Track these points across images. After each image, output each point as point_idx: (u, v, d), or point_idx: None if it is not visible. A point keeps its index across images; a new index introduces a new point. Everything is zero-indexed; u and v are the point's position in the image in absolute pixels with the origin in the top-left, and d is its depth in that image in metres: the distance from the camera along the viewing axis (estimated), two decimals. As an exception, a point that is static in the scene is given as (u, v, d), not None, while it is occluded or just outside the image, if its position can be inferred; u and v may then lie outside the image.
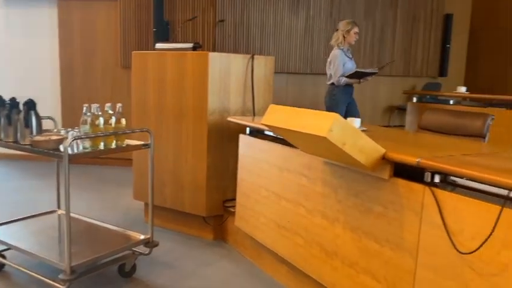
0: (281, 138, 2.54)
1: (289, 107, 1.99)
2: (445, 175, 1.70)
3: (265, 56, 3.73)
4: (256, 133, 2.95)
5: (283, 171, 2.56)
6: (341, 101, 4.38)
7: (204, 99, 3.20)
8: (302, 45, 6.31)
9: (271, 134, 2.77)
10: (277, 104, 2.14)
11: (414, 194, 1.75)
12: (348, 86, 4.40)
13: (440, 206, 1.64)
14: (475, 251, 1.49)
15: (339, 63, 4.33)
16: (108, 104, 2.52)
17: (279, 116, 2.00)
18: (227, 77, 3.27)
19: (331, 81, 4.43)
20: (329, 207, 2.20)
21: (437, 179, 1.70)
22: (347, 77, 4.28)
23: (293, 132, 1.91)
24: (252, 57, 3.36)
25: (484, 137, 2.58)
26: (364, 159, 1.79)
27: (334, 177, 2.16)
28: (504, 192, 1.41)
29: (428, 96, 5.01)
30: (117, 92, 5.79)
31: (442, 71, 7.26)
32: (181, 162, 3.37)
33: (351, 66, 4.37)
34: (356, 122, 2.49)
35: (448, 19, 7.12)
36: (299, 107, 1.96)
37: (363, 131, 2.04)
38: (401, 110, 6.71)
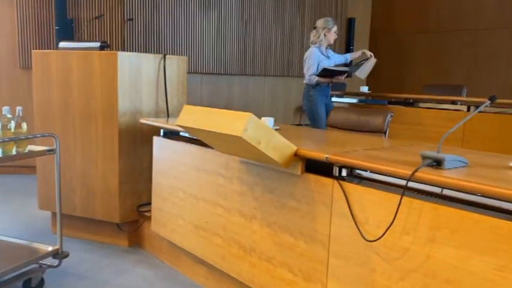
0: (197, 139, 2.53)
1: (204, 108, 1.99)
2: (351, 169, 1.82)
3: (178, 56, 3.69)
4: (171, 135, 2.91)
5: (200, 172, 2.55)
6: (319, 102, 4.26)
7: (113, 100, 3.08)
8: (215, 45, 6.33)
9: (186, 135, 2.74)
10: (191, 104, 2.12)
11: (324, 187, 1.85)
12: (325, 87, 4.30)
13: (348, 198, 1.75)
14: (379, 238, 1.61)
15: (313, 62, 4.21)
16: (6, 107, 2.32)
17: (193, 117, 2.00)
18: (138, 77, 3.18)
19: (304, 80, 4.34)
20: (246, 205, 2.24)
21: (344, 172, 1.82)
22: (318, 75, 4.18)
23: (209, 132, 1.92)
24: (164, 57, 3.30)
25: (385, 133, 2.80)
26: (278, 156, 1.85)
27: (251, 175, 2.21)
28: (403, 182, 1.54)
29: (334, 96, 5.30)
30: (16, 94, 5.35)
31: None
32: (91, 167, 3.20)
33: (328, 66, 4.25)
34: (269, 121, 2.56)
35: (351, 23, 7.61)
36: (214, 107, 1.97)
37: (276, 130, 2.10)
38: (311, 109, 7.02)
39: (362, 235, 1.69)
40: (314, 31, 4.33)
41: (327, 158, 1.79)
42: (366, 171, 1.78)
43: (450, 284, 1.45)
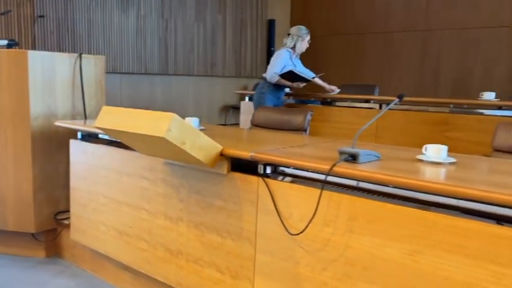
0: (118, 141, 2.44)
1: (124, 108, 1.93)
2: (275, 166, 1.87)
3: (95, 55, 3.53)
4: (89, 138, 2.78)
5: (122, 176, 2.47)
6: (268, 101, 4.18)
7: (25, 102, 2.87)
8: (135, 44, 6.16)
9: (106, 137, 2.64)
10: (111, 105, 2.05)
11: (250, 185, 1.88)
12: (279, 89, 4.24)
13: (273, 195, 1.80)
14: (302, 231, 1.68)
15: (280, 62, 4.17)
16: None
17: (113, 118, 1.93)
18: (52, 78, 2.99)
19: (264, 75, 4.22)
20: (172, 207, 2.21)
21: (269, 170, 1.87)
22: (281, 75, 4.12)
23: (130, 134, 1.87)
24: (80, 56, 3.14)
25: (306, 130, 2.91)
26: (203, 156, 1.85)
27: (176, 176, 2.18)
28: (323, 177, 1.62)
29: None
30: None
31: (269, 72, 7.90)
32: (1, 175, 2.96)
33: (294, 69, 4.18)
34: (194, 121, 2.54)
35: (271, 24, 7.79)
36: (135, 108, 1.92)
37: (201, 130, 2.10)
38: (236, 109, 7.09)
39: (287, 229, 1.74)
40: (289, 38, 4.29)
41: (251, 156, 1.83)
42: (289, 167, 1.85)
43: (367, 271, 1.55)
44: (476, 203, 1.39)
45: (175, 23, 6.57)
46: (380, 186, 1.60)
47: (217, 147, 1.89)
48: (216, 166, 1.93)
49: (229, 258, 1.98)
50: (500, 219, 1.36)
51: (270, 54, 7.82)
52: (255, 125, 3.16)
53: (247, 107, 5.31)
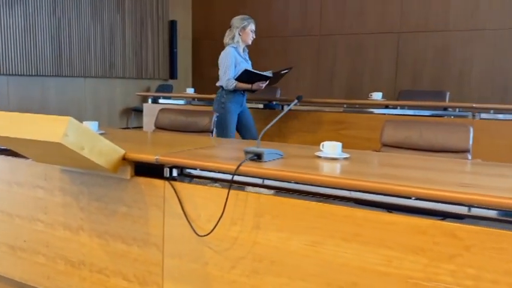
0: (5, 149, 2.23)
1: (13, 113, 1.77)
2: (181, 168, 1.86)
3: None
4: (-28, 145, 2.50)
5: (12, 186, 2.26)
6: (231, 110, 3.69)
7: None
8: (23, 44, 5.67)
9: (-8, 145, 2.40)
10: (-3, 110, 1.87)
11: (156, 189, 1.85)
12: (239, 94, 3.73)
13: (180, 197, 1.79)
14: (210, 232, 1.69)
15: (230, 63, 3.63)
16: None
17: (0, 124, 1.76)
18: None
19: (219, 83, 3.75)
20: (71, 217, 2.08)
21: (175, 172, 1.85)
22: (237, 79, 3.62)
23: (20, 140, 1.72)
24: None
25: (212, 132, 2.93)
26: (105, 162, 1.78)
27: (75, 184, 2.06)
28: (229, 177, 1.65)
29: (161, 98, 5.29)
30: None
31: (172, 74, 7.79)
32: None
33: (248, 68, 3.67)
34: (93, 125, 2.42)
35: (173, 25, 7.68)
36: (26, 112, 1.77)
37: (101, 134, 2.01)
38: (139, 111, 6.87)
39: (195, 231, 1.74)
40: (228, 31, 3.79)
41: (156, 159, 1.79)
42: (196, 169, 1.85)
43: (274, 265, 1.62)
44: (369, 194, 1.52)
45: (69, 21, 6.17)
46: (283, 183, 1.67)
47: (119, 152, 1.83)
48: (118, 171, 1.86)
49: (136, 265, 1.93)
50: (390, 208, 1.51)
51: (172, 55, 7.71)
52: (159, 127, 3.10)
53: (150, 109, 5.19)
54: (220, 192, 1.70)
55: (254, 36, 3.78)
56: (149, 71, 7.45)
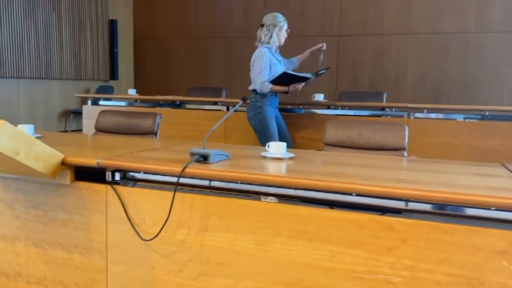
0: None
1: None
2: (124, 172, 1.81)
3: None
4: None
5: None
6: (269, 115, 3.47)
7: None
8: None
9: None
10: None
11: (98, 194, 1.79)
12: (274, 96, 3.52)
13: (123, 202, 1.74)
14: (156, 236, 1.66)
15: (265, 65, 3.40)
16: None
17: None
18: None
19: (251, 86, 3.52)
20: (6, 226, 1.96)
21: (117, 176, 1.80)
22: (273, 82, 3.38)
23: None
24: None
25: (156, 134, 2.87)
26: (42, 167, 1.69)
27: (9, 191, 1.94)
28: (175, 179, 1.63)
29: (102, 99, 5.11)
30: None
31: (113, 75, 7.55)
32: None
33: (281, 71, 3.39)
34: (28, 128, 2.30)
35: (113, 25, 7.45)
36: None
37: (37, 138, 1.91)
38: (78, 113, 6.59)
39: (139, 236, 1.71)
40: (264, 29, 3.53)
41: (98, 163, 1.73)
42: (139, 172, 1.81)
43: (222, 266, 1.62)
44: (313, 192, 1.56)
45: (-1, 19, 5.81)
46: (230, 184, 1.68)
47: (58, 156, 1.75)
48: (57, 176, 1.78)
49: (77, 273, 1.85)
50: (333, 204, 1.56)
51: (112, 55, 7.47)
52: (100, 130, 3.00)
53: (90, 112, 5.00)
54: (165, 195, 1.68)
55: (286, 36, 3.63)
56: (88, 71, 7.17)
